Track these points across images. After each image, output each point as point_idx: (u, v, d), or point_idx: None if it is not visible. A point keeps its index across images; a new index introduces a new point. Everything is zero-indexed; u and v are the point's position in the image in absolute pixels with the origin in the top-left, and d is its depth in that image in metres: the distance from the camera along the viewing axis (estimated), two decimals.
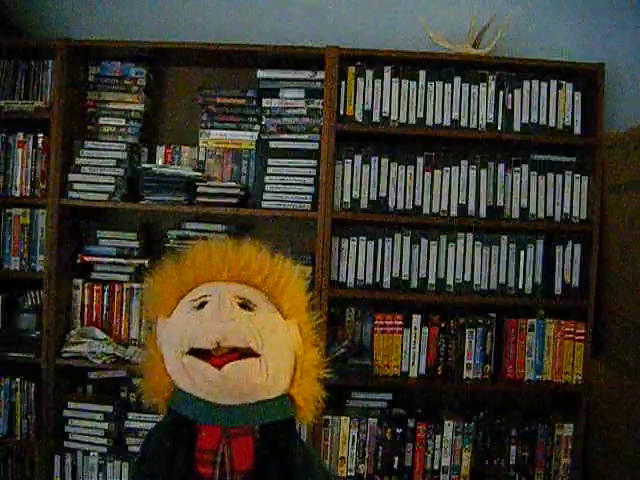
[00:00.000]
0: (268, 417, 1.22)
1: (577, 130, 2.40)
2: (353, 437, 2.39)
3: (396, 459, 2.39)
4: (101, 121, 2.49)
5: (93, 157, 2.40)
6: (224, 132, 2.48)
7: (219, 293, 1.24)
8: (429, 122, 2.39)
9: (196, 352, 1.21)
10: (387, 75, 2.39)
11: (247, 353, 1.21)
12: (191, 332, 1.22)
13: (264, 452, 1.22)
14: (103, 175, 2.39)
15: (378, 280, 2.40)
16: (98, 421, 2.39)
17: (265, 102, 2.43)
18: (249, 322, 1.23)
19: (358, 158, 2.40)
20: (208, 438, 1.21)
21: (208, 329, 1.21)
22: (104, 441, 2.39)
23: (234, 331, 1.21)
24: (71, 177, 2.38)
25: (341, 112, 2.37)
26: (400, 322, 2.39)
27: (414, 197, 2.40)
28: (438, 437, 2.39)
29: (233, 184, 2.42)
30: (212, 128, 2.48)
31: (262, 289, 1.31)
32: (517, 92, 2.40)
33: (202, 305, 1.26)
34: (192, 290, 1.32)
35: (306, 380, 1.29)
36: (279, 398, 1.25)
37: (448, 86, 2.39)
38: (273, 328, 1.26)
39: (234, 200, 2.37)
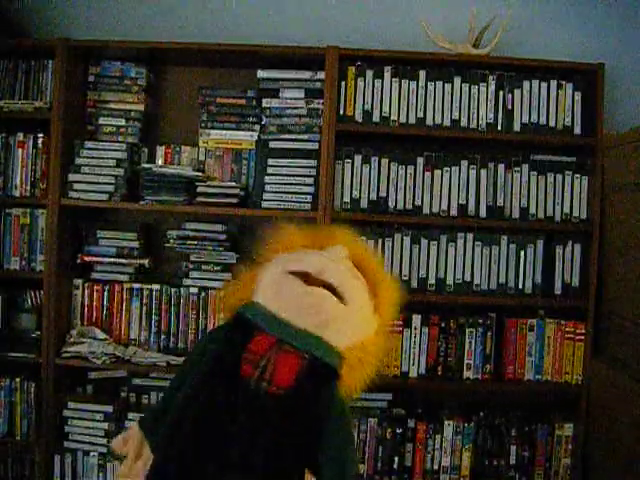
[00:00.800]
0: (319, 352, 1.29)
1: (577, 130, 2.40)
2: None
3: (396, 459, 2.39)
4: (101, 121, 2.49)
5: (93, 157, 2.40)
6: (224, 132, 2.48)
7: (339, 247, 1.39)
8: (429, 122, 2.39)
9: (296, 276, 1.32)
10: (387, 75, 2.39)
11: (337, 296, 1.30)
12: (303, 258, 1.34)
13: (304, 380, 1.27)
14: (103, 175, 2.39)
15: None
16: (98, 421, 2.39)
17: (265, 102, 2.43)
18: (350, 275, 1.35)
19: (358, 158, 2.40)
20: (260, 343, 1.27)
21: (319, 259, 1.33)
22: (104, 441, 2.38)
23: (339, 270, 1.32)
24: (71, 177, 2.38)
25: (341, 112, 2.37)
26: (400, 322, 2.39)
27: (414, 197, 2.40)
28: (438, 437, 2.39)
29: (233, 184, 2.42)
30: (212, 128, 2.48)
31: (368, 279, 1.42)
32: (517, 92, 2.40)
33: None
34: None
35: (361, 359, 1.36)
36: (334, 348, 1.32)
37: (448, 86, 2.39)
38: (365, 302, 1.36)
39: (234, 200, 2.37)
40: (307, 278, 1.31)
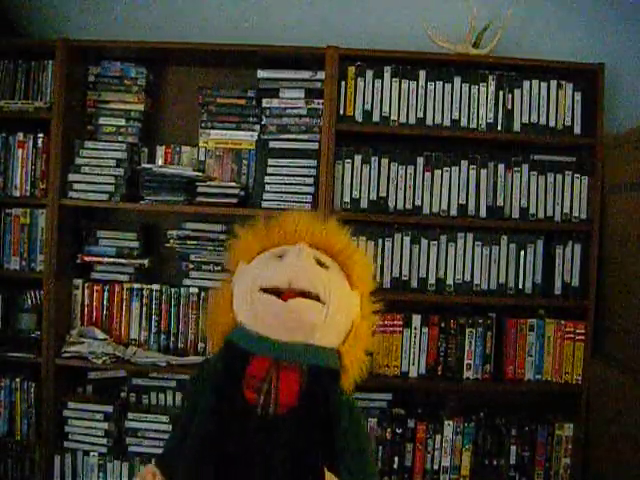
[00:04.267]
0: (316, 360, 1.31)
1: (577, 130, 2.40)
2: None
3: (396, 459, 2.39)
4: (101, 121, 2.49)
5: (93, 157, 2.40)
6: (224, 132, 2.48)
7: (299, 247, 1.39)
8: (429, 122, 2.39)
9: (268, 292, 1.33)
10: (387, 75, 2.39)
11: (313, 299, 1.32)
12: (268, 272, 1.36)
13: (308, 392, 1.29)
14: (103, 175, 2.38)
15: (378, 280, 2.40)
16: (98, 421, 2.39)
17: (265, 102, 2.43)
18: (321, 273, 1.36)
19: (358, 158, 2.40)
20: (258, 366, 1.29)
21: (283, 270, 1.34)
22: (104, 441, 2.39)
23: (306, 274, 1.33)
24: (71, 177, 2.38)
25: (341, 112, 2.37)
26: (400, 322, 2.39)
27: (414, 197, 2.40)
28: (438, 437, 2.39)
29: (233, 184, 2.42)
30: (212, 128, 2.48)
31: (337, 259, 1.44)
32: (517, 92, 2.40)
33: (282, 257, 1.40)
34: (275, 247, 1.46)
35: (357, 345, 1.39)
36: (330, 349, 1.34)
37: (448, 86, 2.39)
38: (340, 286, 1.39)
39: (234, 200, 2.37)
40: (279, 290, 1.32)
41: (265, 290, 1.33)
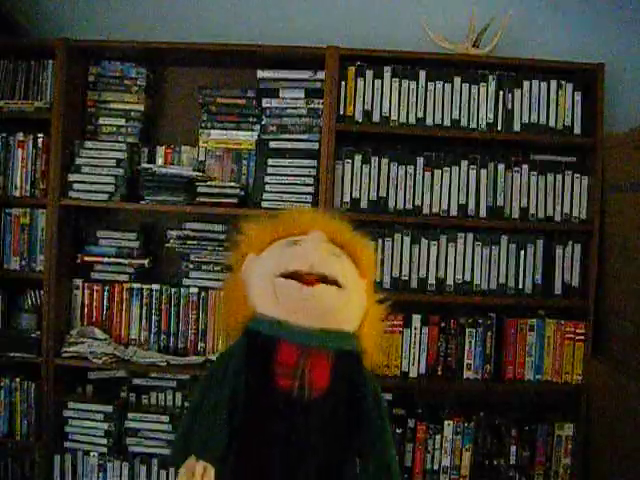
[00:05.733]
0: (342, 344, 1.35)
1: (577, 130, 2.40)
2: None
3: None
4: (101, 121, 2.49)
5: (93, 157, 2.40)
6: (224, 132, 2.48)
7: (316, 234, 1.42)
8: (429, 122, 2.39)
9: (287, 278, 1.35)
10: (387, 75, 2.39)
11: (332, 283, 1.34)
12: (287, 258, 1.36)
13: (338, 375, 1.33)
14: (103, 175, 2.38)
15: (378, 280, 2.40)
16: (98, 421, 2.39)
17: (265, 102, 2.43)
18: (338, 259, 1.39)
19: (358, 158, 2.40)
20: (287, 353, 1.31)
21: (305, 254, 1.36)
22: (104, 441, 2.39)
23: (327, 259, 1.36)
24: (71, 177, 2.37)
25: (341, 112, 2.37)
26: (400, 322, 2.39)
27: (414, 197, 2.40)
28: (438, 437, 2.39)
29: (233, 184, 2.42)
30: (212, 128, 2.48)
31: (346, 248, 1.47)
32: (517, 92, 2.40)
33: (297, 244, 1.41)
34: (286, 237, 1.48)
35: (373, 329, 1.44)
36: (351, 333, 1.38)
37: (448, 86, 2.39)
38: (354, 275, 1.42)
39: (234, 200, 2.37)
40: (299, 275, 1.33)
41: (285, 276, 1.34)
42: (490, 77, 2.39)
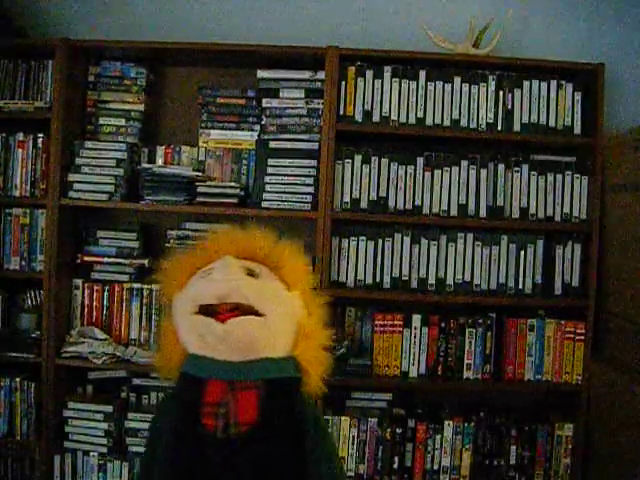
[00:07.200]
0: (270, 373, 1.28)
1: (577, 130, 2.40)
2: (353, 437, 2.39)
3: (396, 459, 2.39)
4: (101, 121, 2.49)
5: (93, 157, 2.40)
6: (224, 132, 2.48)
7: (225, 260, 1.34)
8: (429, 122, 2.39)
9: (204, 312, 1.28)
10: (387, 75, 2.39)
11: (251, 312, 1.27)
12: (199, 292, 1.31)
13: (268, 407, 1.26)
14: (103, 175, 2.38)
15: (378, 280, 2.40)
16: (98, 421, 2.39)
17: (265, 102, 2.43)
18: (253, 283, 1.31)
19: (358, 158, 2.40)
20: (213, 392, 1.25)
21: (213, 286, 1.29)
22: (104, 441, 2.39)
23: (237, 287, 1.28)
24: (71, 177, 2.37)
25: (341, 112, 2.37)
26: (400, 322, 2.39)
27: (414, 197, 2.40)
28: (438, 437, 2.39)
29: (233, 184, 2.42)
30: (212, 128, 2.48)
31: (267, 263, 1.39)
32: (517, 92, 2.40)
33: (210, 274, 1.35)
34: (204, 267, 1.41)
35: (309, 344, 1.35)
36: (284, 358, 1.30)
37: (448, 86, 2.39)
38: (275, 292, 1.34)
39: (234, 200, 2.37)
40: (213, 309, 1.28)
41: (202, 311, 1.28)
42: (490, 77, 2.39)
